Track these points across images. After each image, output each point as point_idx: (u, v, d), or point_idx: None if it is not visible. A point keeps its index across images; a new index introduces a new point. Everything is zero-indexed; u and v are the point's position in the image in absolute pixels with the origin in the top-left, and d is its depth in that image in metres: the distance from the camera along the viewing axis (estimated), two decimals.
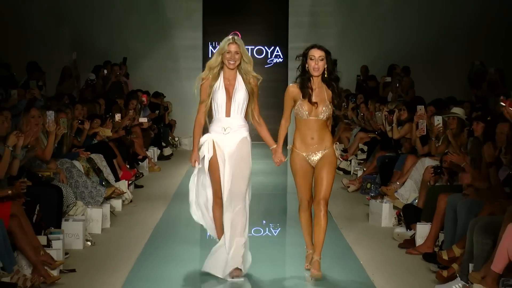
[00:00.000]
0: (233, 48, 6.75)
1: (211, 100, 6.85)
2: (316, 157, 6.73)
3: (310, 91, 6.61)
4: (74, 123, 10.36)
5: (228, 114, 6.83)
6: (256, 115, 6.89)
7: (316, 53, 6.59)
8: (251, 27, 17.69)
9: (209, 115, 6.97)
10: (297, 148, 6.79)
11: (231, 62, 6.75)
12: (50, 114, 8.46)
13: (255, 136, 6.95)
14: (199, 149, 6.87)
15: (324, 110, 6.64)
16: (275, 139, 6.93)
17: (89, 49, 16.76)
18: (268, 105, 14.70)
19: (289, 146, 6.91)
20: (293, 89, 6.71)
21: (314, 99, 6.61)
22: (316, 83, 6.67)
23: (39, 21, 17.19)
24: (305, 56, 6.67)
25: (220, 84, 6.81)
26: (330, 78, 6.68)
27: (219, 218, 6.92)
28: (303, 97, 6.62)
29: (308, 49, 6.67)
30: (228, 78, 6.83)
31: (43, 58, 15.03)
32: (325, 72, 6.63)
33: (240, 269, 6.75)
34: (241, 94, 6.81)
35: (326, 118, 6.71)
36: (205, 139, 6.85)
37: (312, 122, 6.68)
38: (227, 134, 6.80)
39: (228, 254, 6.73)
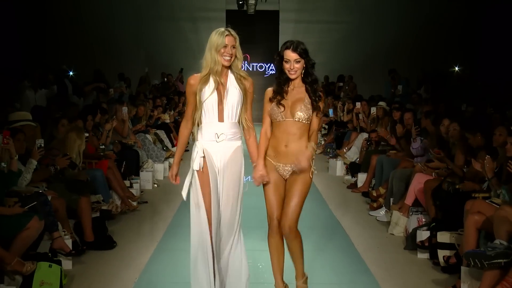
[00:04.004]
0: (230, 41, 3.59)
1: (200, 104, 3.60)
2: (288, 169, 3.71)
3: (283, 94, 3.70)
4: (147, 111, 10.28)
5: (221, 119, 3.59)
6: (248, 120, 3.67)
7: (291, 56, 3.64)
8: (255, 51, 17.45)
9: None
10: (268, 155, 3.73)
11: (227, 58, 3.58)
12: (124, 109, 8.33)
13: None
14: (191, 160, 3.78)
15: (302, 110, 3.64)
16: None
17: (155, 64, 16.59)
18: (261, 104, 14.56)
19: None
20: (270, 91, 3.76)
21: (288, 99, 3.69)
22: (296, 83, 3.72)
23: (124, 46, 17.01)
24: (281, 58, 3.70)
25: (210, 85, 3.59)
26: (307, 80, 3.71)
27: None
28: (272, 98, 3.72)
29: (283, 49, 3.69)
30: (220, 77, 3.61)
31: (128, 70, 14.89)
32: (302, 73, 3.70)
33: None
34: (235, 95, 3.60)
35: (306, 121, 3.66)
36: (196, 153, 3.69)
37: (288, 125, 3.66)
38: (220, 141, 3.60)
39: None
